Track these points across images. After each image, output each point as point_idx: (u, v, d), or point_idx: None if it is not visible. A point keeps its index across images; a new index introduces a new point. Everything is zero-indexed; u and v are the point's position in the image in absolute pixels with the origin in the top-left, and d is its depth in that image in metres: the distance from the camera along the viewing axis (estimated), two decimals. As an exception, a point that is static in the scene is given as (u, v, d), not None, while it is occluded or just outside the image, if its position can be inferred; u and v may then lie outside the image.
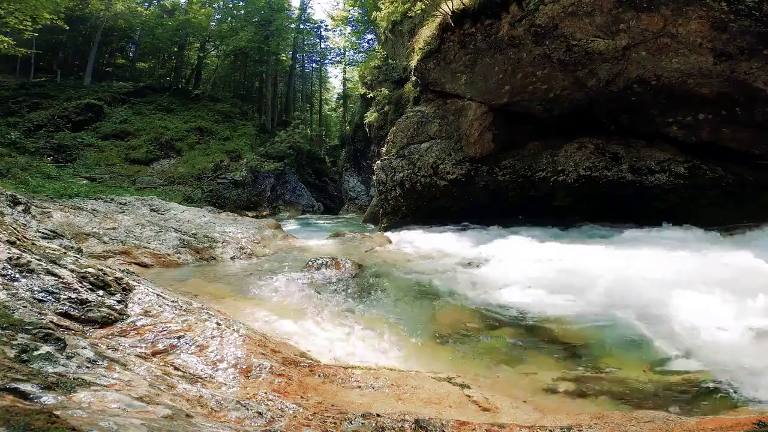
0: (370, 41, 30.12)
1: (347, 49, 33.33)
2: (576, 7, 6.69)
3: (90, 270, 2.36)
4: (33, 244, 2.55)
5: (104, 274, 2.41)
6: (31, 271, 2.05)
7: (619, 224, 7.60)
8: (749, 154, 7.35)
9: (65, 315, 1.92)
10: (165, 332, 2.13)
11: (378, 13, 12.35)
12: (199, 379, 1.83)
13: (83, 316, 1.99)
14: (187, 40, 27.80)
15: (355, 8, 26.85)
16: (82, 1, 22.60)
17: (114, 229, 6.31)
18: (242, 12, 28.89)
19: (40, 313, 1.76)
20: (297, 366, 2.23)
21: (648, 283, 4.09)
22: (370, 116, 17.45)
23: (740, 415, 2.04)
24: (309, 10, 36.18)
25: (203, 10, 26.09)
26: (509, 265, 5.40)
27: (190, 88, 27.22)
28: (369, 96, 18.45)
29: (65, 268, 2.25)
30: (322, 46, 37.14)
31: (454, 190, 9.79)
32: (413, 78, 11.97)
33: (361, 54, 32.32)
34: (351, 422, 1.57)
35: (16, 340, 1.44)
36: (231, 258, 6.36)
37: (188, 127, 21.46)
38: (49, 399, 1.15)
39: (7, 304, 1.72)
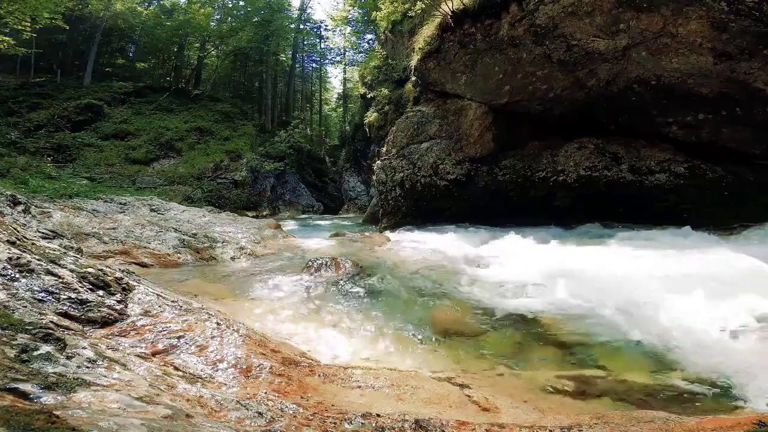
0: (370, 41, 30.14)
1: (347, 49, 33.39)
2: (576, 7, 6.70)
3: (90, 270, 2.36)
4: (33, 244, 2.54)
5: (104, 274, 2.41)
6: (31, 271, 2.05)
7: (619, 224, 7.60)
8: (749, 154, 7.34)
9: (65, 315, 1.92)
10: (165, 332, 2.13)
11: (378, 13, 12.36)
12: (199, 379, 1.83)
13: (83, 316, 1.99)
14: (186, 40, 27.80)
15: (355, 8, 26.84)
16: (82, 1, 22.61)
17: (114, 229, 6.31)
18: (242, 12, 28.88)
19: (40, 313, 1.76)
20: (297, 366, 2.23)
21: (648, 283, 4.09)
22: (370, 116, 17.46)
23: (740, 415, 2.04)
24: (309, 10, 36.21)
25: (203, 10, 26.08)
26: (509, 265, 5.40)
27: (190, 88, 27.22)
28: (369, 96, 18.47)
29: (65, 268, 2.25)
30: (322, 46, 37.18)
31: (454, 190, 9.79)
32: (413, 78, 11.97)
33: (361, 54, 32.34)
34: (351, 422, 1.57)
35: (16, 340, 1.44)
36: (231, 258, 6.36)
37: (188, 127, 21.46)
38: (49, 399, 1.15)
39: (7, 304, 1.72)
